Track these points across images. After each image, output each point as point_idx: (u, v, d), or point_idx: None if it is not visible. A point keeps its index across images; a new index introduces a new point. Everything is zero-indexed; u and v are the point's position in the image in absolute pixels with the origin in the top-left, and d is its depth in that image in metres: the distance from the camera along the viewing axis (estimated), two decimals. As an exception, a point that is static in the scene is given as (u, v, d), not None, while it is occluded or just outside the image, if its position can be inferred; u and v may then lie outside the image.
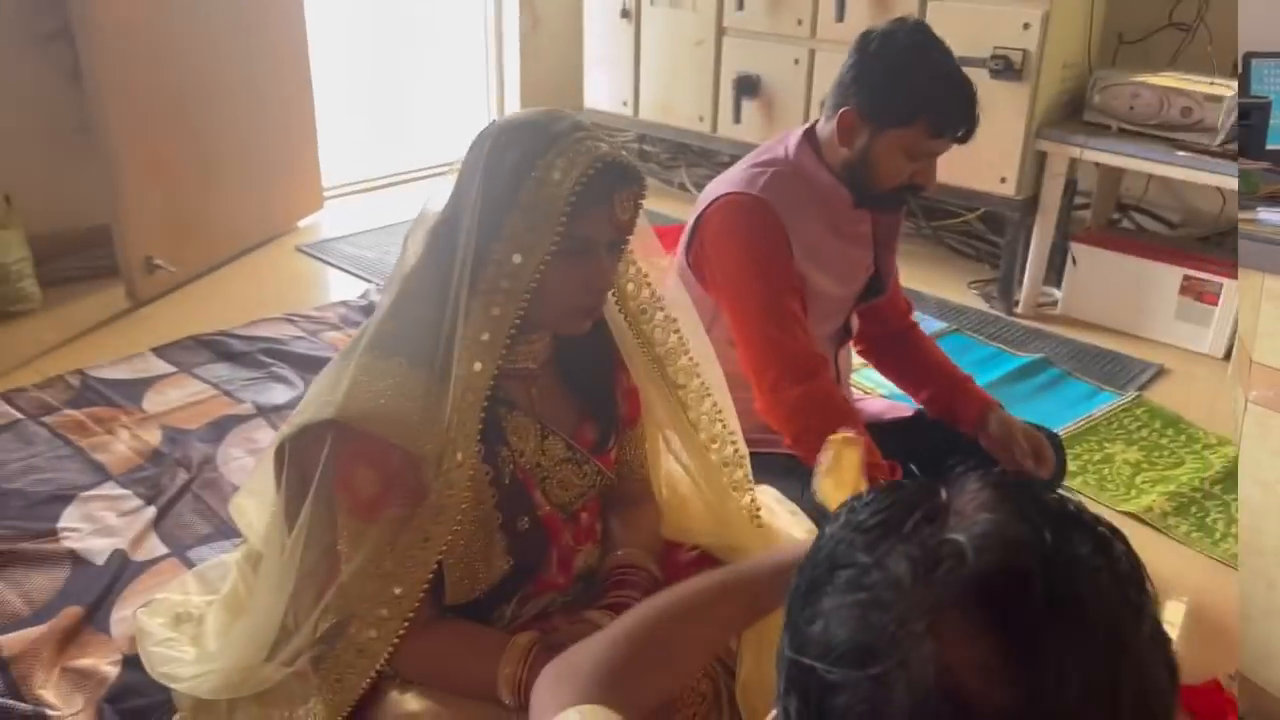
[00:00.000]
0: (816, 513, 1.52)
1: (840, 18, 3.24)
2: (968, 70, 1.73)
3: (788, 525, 1.50)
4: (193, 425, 2.38)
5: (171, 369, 2.64)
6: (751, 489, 1.46)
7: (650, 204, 4.26)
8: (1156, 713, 0.49)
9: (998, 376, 2.78)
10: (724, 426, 1.43)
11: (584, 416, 1.42)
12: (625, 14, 3.86)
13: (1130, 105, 2.93)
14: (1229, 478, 2.36)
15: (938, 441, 1.94)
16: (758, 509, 1.46)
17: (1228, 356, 2.92)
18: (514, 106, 4.45)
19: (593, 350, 1.39)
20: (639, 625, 0.92)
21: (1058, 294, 3.26)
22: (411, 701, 1.32)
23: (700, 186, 4.10)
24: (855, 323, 1.97)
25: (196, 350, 2.74)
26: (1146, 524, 2.20)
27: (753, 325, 1.71)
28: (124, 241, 2.92)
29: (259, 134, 3.38)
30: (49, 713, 1.58)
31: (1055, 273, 3.26)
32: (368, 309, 3.03)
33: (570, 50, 4.28)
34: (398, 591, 1.24)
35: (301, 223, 3.69)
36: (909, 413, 2.02)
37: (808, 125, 1.81)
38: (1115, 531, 0.55)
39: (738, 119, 3.61)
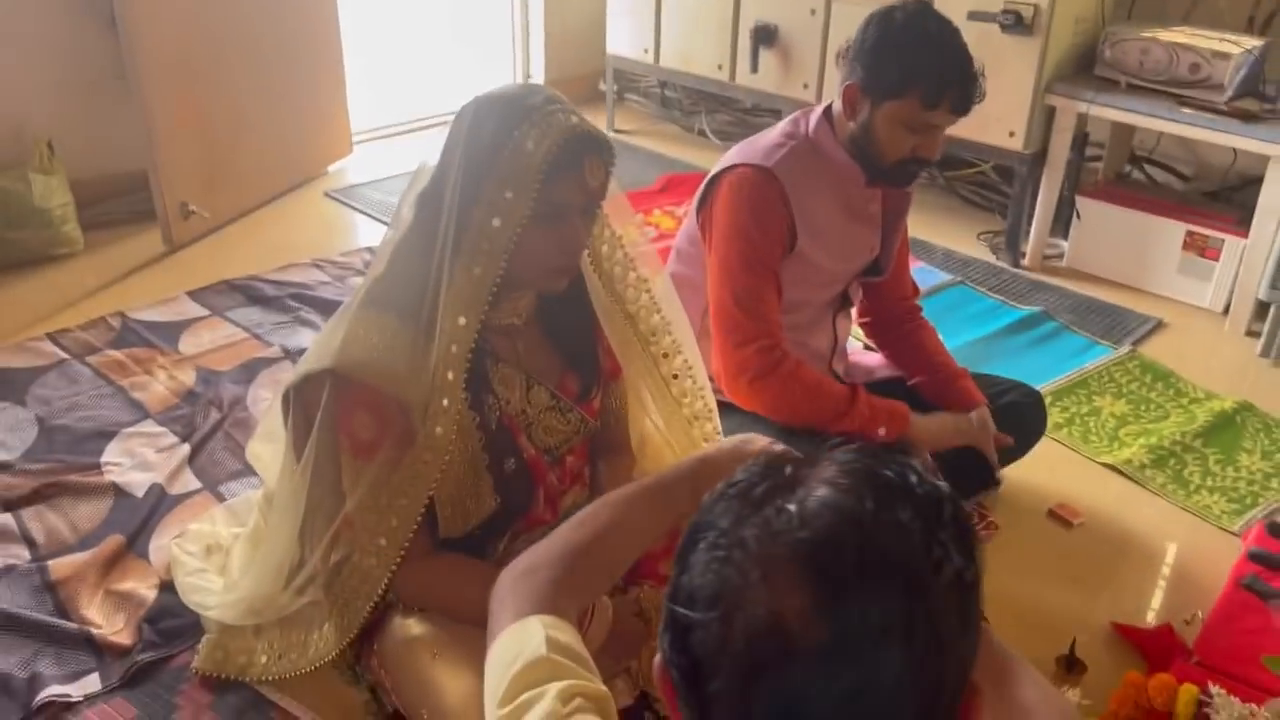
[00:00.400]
0: None
1: (856, -31, 3.26)
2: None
3: None
4: (224, 367, 2.54)
5: (205, 312, 2.79)
6: (718, 440, 1.58)
7: (670, 150, 4.44)
8: (945, 646, 0.61)
9: (997, 329, 2.86)
10: (694, 382, 1.54)
11: (567, 368, 1.54)
12: (647, -40, 3.90)
13: (1140, 61, 2.95)
14: (1211, 431, 2.44)
15: (925, 403, 2.05)
16: None
17: (1226, 311, 2.98)
18: (539, 53, 4.52)
19: (574, 307, 1.51)
20: (581, 536, 1.05)
21: (1064, 245, 3.31)
22: (414, 626, 1.48)
23: (721, 134, 4.17)
24: (856, 292, 2.06)
25: (229, 294, 2.89)
26: (1125, 475, 2.30)
27: (725, 304, 1.82)
28: (160, 188, 3.06)
29: (289, 81, 3.49)
30: (93, 630, 1.75)
31: (1063, 225, 3.31)
32: (391, 255, 3.15)
33: (594, -4, 4.34)
34: (394, 523, 1.39)
35: (331, 168, 3.81)
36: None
37: (828, 102, 1.88)
38: (946, 498, 0.66)
39: (755, 68, 3.66)
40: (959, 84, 1.73)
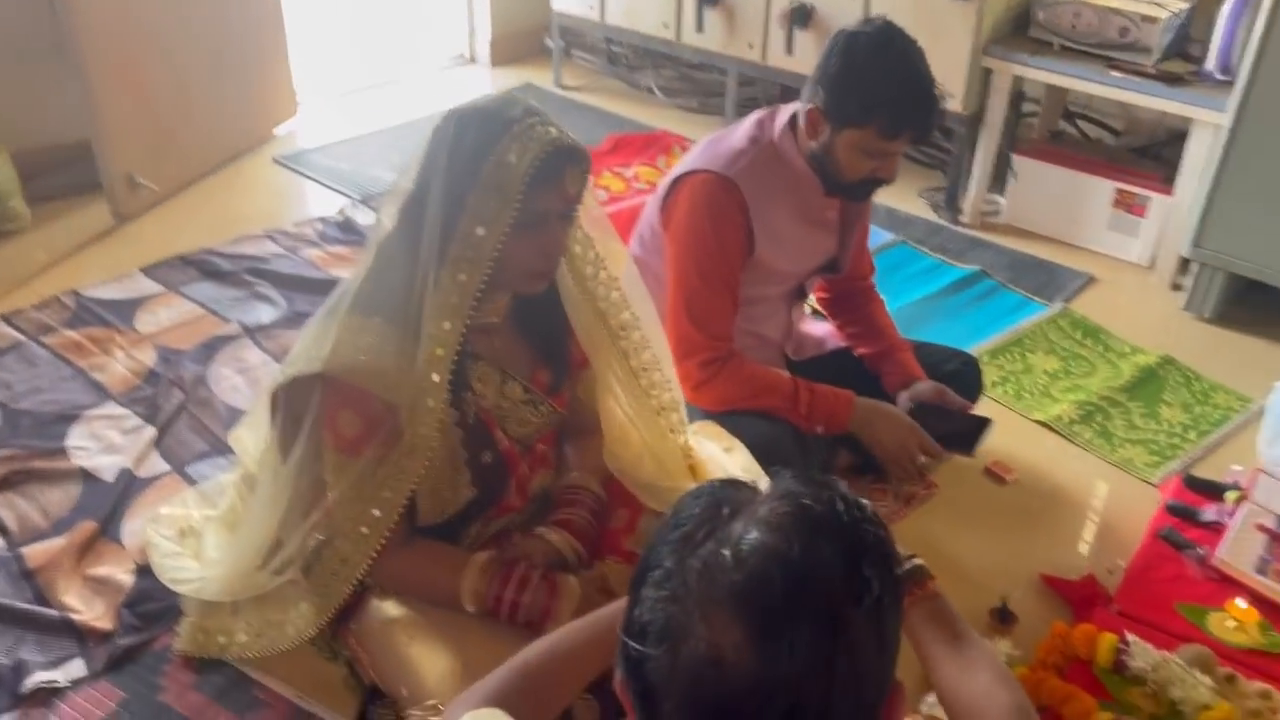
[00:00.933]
0: None
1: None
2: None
3: (722, 464, 1.72)
4: (184, 346, 2.57)
5: (160, 288, 2.81)
6: (684, 432, 1.68)
7: (618, 108, 4.48)
8: (865, 667, 0.71)
9: (937, 289, 2.97)
10: (661, 374, 1.63)
11: (539, 362, 1.63)
12: (591, -84, 3.88)
13: (1072, 24, 3.04)
14: (1136, 385, 2.59)
15: (870, 373, 2.16)
16: (690, 449, 1.68)
17: (1153, 265, 3.12)
18: (484, 8, 4.49)
19: (546, 304, 1.59)
20: (529, 663, 1.14)
21: (1002, 201, 3.42)
22: (391, 608, 1.56)
23: (668, 91, 4.20)
24: (812, 284, 2.14)
25: (183, 269, 2.90)
26: (1055, 431, 2.44)
27: (678, 313, 1.91)
28: (105, 159, 3.04)
29: (229, 41, 3.45)
30: (74, 616, 1.81)
31: (1000, 181, 3.41)
32: (344, 225, 3.18)
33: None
34: (376, 514, 1.47)
35: (279, 130, 3.79)
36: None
37: (795, 107, 1.93)
38: (869, 523, 0.75)
39: (700, 28, 3.69)
40: (919, 115, 1.79)
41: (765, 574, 0.69)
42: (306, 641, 1.62)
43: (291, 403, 1.50)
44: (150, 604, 1.85)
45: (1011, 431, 2.43)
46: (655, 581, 0.73)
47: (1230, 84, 2.80)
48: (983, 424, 2.05)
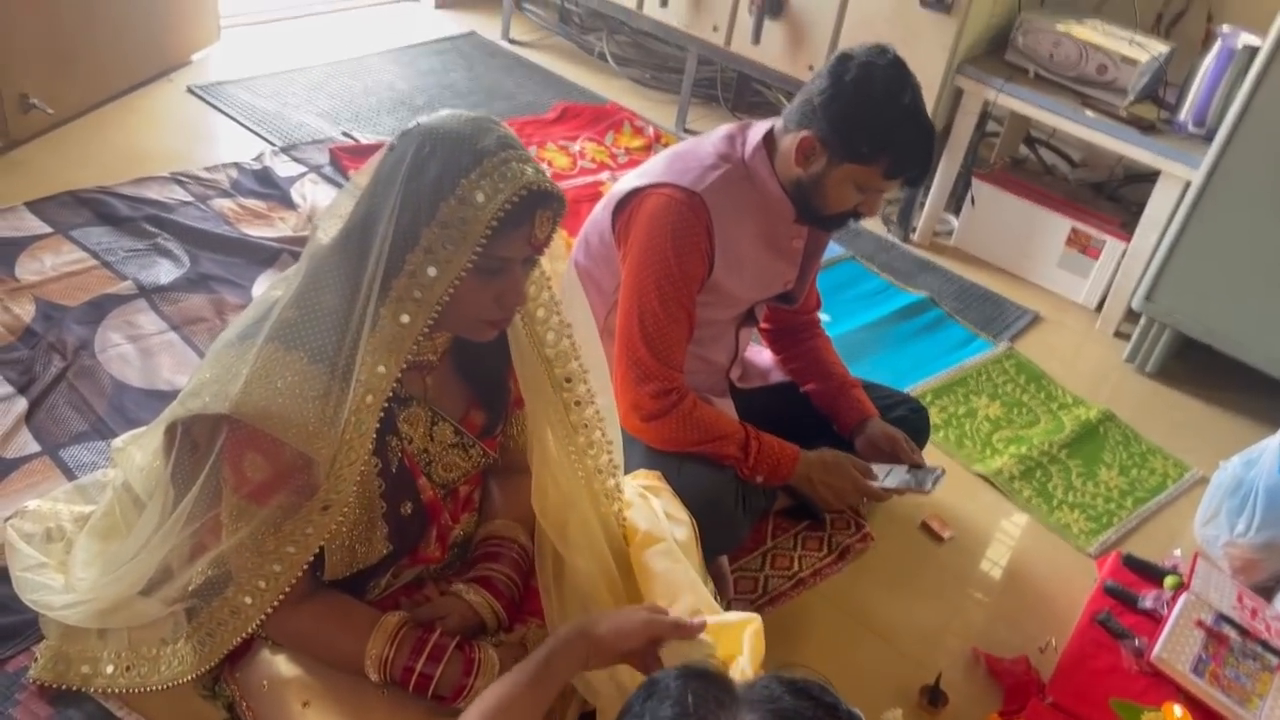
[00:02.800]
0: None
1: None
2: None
3: (653, 527, 1.55)
4: (69, 302, 2.30)
5: (48, 229, 2.52)
6: (620, 498, 1.52)
7: (568, 72, 4.24)
8: None
9: (883, 315, 2.87)
10: (602, 434, 1.47)
11: (474, 403, 1.46)
12: None
13: (1051, 53, 2.93)
14: (1076, 441, 2.53)
15: (815, 411, 2.05)
16: (623, 520, 1.53)
17: (1099, 308, 3.07)
18: (432, -57, 4.18)
19: (490, 345, 1.41)
20: None
21: (954, 223, 3.33)
22: (284, 666, 1.39)
23: (620, 59, 3.98)
24: (762, 310, 2.01)
25: (75, 209, 2.62)
26: (995, 486, 2.36)
27: (633, 336, 1.76)
28: (-4, 75, 2.72)
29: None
30: (-91, 628, 1.59)
31: (956, 201, 3.32)
32: (261, 175, 2.92)
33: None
34: (277, 569, 1.30)
35: (196, 56, 3.47)
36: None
37: (770, 127, 1.80)
38: None
39: (664, 3, 3.48)
40: (925, 159, 1.73)
41: None
42: (180, 676, 1.44)
43: (192, 434, 1.32)
44: (7, 616, 1.64)
45: (951, 481, 2.34)
46: None
47: (1202, 138, 2.75)
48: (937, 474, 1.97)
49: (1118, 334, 3.01)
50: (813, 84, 1.74)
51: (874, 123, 1.67)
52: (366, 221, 1.23)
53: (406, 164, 1.20)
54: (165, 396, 2.10)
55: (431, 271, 1.20)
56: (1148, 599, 2.01)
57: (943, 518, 2.23)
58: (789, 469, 1.83)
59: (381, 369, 1.23)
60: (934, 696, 1.81)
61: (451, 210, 1.18)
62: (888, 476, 1.87)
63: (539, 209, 1.22)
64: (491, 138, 1.21)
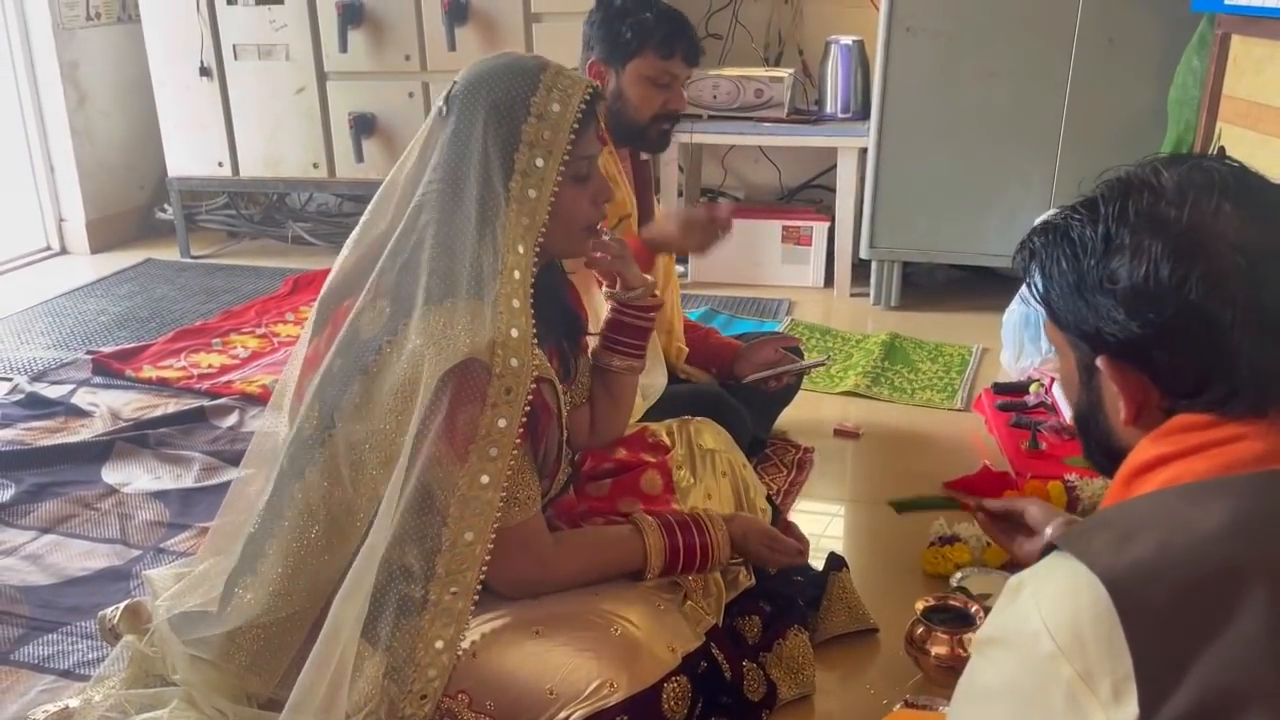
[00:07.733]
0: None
1: (453, 47, 3.46)
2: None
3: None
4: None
5: None
6: None
7: (276, 261, 4.40)
8: None
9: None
10: None
11: (552, 352, 1.53)
12: (205, 72, 3.72)
13: (713, 95, 3.51)
14: (887, 357, 2.95)
15: None
16: None
17: (828, 284, 3.60)
18: (73, 189, 4.02)
19: (561, 294, 1.53)
20: None
21: (682, 269, 3.75)
22: (478, 637, 1.35)
23: (315, 233, 4.05)
24: None
25: None
26: (861, 395, 2.70)
27: None
28: None
29: None
30: None
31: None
32: (29, 401, 2.64)
33: (136, 119, 4.03)
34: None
35: None
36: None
37: None
38: None
39: (360, 158, 3.67)
40: (684, 33, 2.03)
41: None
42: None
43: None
44: None
45: (823, 405, 2.65)
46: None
47: (853, 119, 3.43)
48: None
49: (854, 295, 3.54)
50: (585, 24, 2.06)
51: (625, 17, 1.98)
52: (456, 175, 1.31)
53: (485, 105, 1.31)
54: (87, 581, 1.89)
55: (539, 162, 1.31)
56: (1030, 400, 2.42)
57: (845, 424, 2.51)
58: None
59: (520, 248, 1.30)
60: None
61: (533, 127, 1.30)
62: None
63: (599, 103, 1.38)
64: (531, 60, 1.37)
